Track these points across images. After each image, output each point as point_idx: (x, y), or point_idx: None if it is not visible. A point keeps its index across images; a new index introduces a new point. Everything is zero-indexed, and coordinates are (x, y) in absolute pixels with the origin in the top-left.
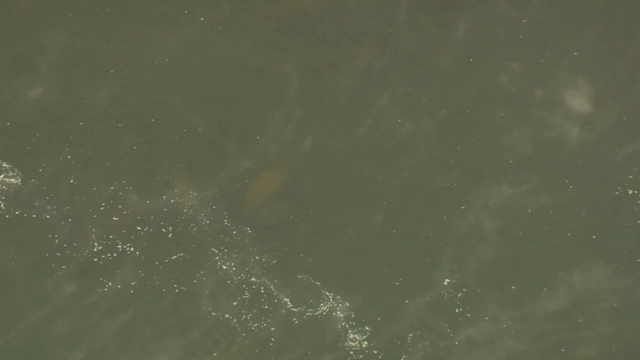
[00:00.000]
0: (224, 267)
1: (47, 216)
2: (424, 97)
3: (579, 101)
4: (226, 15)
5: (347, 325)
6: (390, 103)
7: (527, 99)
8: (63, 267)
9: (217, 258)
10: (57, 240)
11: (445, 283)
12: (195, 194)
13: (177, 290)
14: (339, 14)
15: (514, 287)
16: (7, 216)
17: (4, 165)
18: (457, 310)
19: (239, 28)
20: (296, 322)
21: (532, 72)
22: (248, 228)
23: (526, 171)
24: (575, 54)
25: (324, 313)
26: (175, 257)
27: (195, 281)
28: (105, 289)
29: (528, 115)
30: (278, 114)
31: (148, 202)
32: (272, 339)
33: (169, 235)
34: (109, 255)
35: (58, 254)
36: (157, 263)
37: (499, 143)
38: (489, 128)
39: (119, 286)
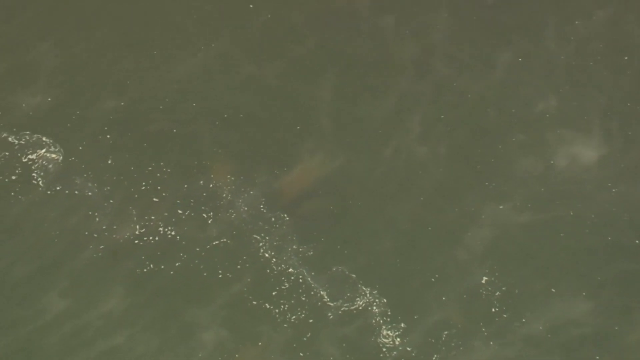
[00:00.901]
0: (266, 255)
1: (89, 193)
2: (450, 127)
3: (596, 141)
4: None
5: (381, 321)
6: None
7: (550, 134)
8: (101, 246)
9: (260, 245)
10: (97, 219)
11: (483, 281)
12: (232, 178)
13: (220, 276)
14: (377, 37)
15: (553, 290)
16: (48, 192)
17: (44, 139)
18: (493, 310)
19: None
20: (331, 316)
21: (563, 110)
22: (286, 215)
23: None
24: (607, 98)
25: (360, 308)
26: (216, 242)
27: (238, 267)
28: (145, 270)
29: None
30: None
31: (186, 186)
32: (308, 334)
33: (209, 222)
34: (150, 238)
35: (95, 235)
36: (198, 249)
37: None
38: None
39: (162, 266)
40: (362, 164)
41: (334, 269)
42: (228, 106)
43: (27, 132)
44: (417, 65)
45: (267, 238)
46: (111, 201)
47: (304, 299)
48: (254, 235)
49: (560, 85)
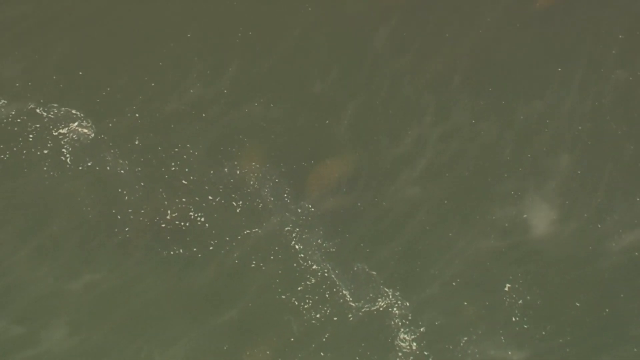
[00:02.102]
0: (297, 247)
1: (122, 171)
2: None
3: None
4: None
5: (400, 323)
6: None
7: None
8: (126, 229)
9: (293, 235)
10: (126, 197)
11: (506, 289)
12: (257, 165)
13: (253, 265)
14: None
15: (578, 304)
16: (80, 168)
17: (74, 112)
18: (513, 319)
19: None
20: (351, 318)
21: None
22: (311, 206)
23: None
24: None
25: (381, 309)
26: (247, 231)
27: (272, 257)
28: (173, 254)
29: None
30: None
31: (212, 172)
32: (327, 334)
33: (237, 210)
34: (181, 223)
35: (119, 217)
36: (228, 239)
37: None
38: None
39: (194, 249)
40: (387, 164)
41: (356, 268)
42: (259, 95)
43: (56, 105)
44: (435, 109)
45: (297, 230)
46: (142, 183)
47: (327, 296)
48: (286, 228)
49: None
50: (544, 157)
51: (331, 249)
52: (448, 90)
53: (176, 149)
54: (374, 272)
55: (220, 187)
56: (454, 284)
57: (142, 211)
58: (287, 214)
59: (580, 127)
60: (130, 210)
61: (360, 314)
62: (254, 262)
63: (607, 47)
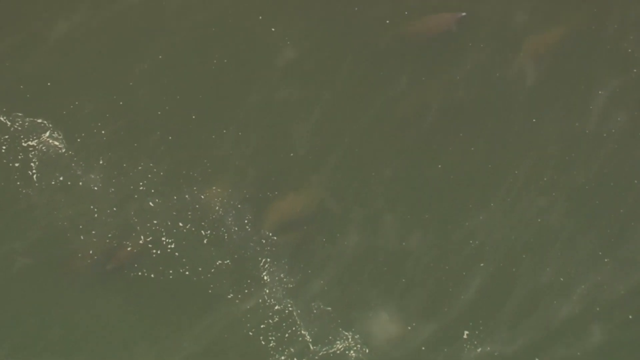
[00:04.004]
0: (266, 278)
1: (95, 188)
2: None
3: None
4: None
5: None
6: None
7: None
8: (90, 251)
9: (266, 266)
10: (96, 215)
11: (465, 336)
12: (219, 190)
13: (230, 296)
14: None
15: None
16: (52, 182)
17: (43, 122)
18: None
19: None
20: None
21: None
22: (275, 237)
23: None
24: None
25: (338, 352)
26: (219, 262)
27: (246, 291)
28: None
29: None
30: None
31: (175, 197)
32: None
33: (204, 241)
34: (154, 250)
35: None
36: (201, 269)
37: None
38: None
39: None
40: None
41: (316, 307)
42: (229, 124)
43: (20, 114)
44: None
45: (268, 260)
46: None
47: (287, 336)
48: (258, 258)
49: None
50: None
51: (290, 285)
52: (417, 134)
53: (140, 167)
54: (333, 313)
55: (189, 213)
56: (409, 328)
57: (110, 235)
58: (251, 244)
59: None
60: (94, 232)
61: (316, 358)
62: (231, 294)
63: (586, 102)
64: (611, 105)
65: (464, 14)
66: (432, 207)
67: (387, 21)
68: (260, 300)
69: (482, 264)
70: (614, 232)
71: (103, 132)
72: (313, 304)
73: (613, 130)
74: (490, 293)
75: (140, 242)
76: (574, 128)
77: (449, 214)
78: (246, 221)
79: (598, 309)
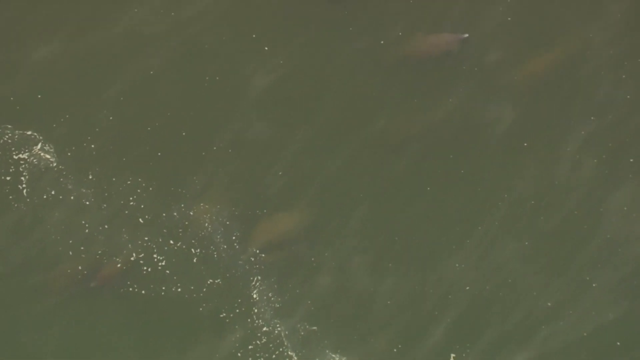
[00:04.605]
0: (255, 297)
1: (86, 202)
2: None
3: None
4: None
5: None
6: None
7: None
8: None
9: (257, 284)
10: (87, 230)
11: (451, 359)
12: (207, 207)
13: (222, 315)
14: None
15: None
16: (44, 197)
17: (33, 134)
18: None
19: None
20: None
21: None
22: (263, 254)
23: None
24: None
25: None
26: (210, 282)
27: (237, 311)
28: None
29: None
30: None
31: (164, 214)
32: None
33: (194, 260)
34: (145, 267)
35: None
36: (192, 287)
37: None
38: None
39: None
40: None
41: (302, 328)
42: (219, 141)
43: (10, 127)
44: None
45: (259, 278)
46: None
47: (274, 357)
48: (249, 277)
49: None
50: None
51: (277, 305)
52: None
53: (129, 182)
54: (321, 334)
55: (180, 230)
56: (394, 350)
57: (100, 252)
58: (240, 262)
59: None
60: (82, 248)
61: None
62: (223, 313)
63: (561, 146)
64: (585, 150)
65: (466, 35)
66: (405, 248)
67: (382, 42)
68: (249, 320)
69: (452, 307)
70: (582, 278)
71: (93, 146)
72: (299, 325)
73: (586, 175)
74: (460, 336)
75: (132, 258)
76: (548, 172)
77: (423, 256)
78: (234, 238)
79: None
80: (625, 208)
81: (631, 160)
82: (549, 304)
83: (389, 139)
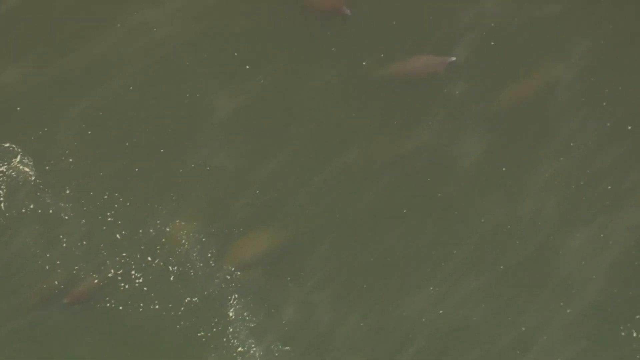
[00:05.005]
0: (231, 315)
1: (65, 217)
2: None
3: None
4: None
5: None
6: None
7: None
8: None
9: (234, 303)
10: (64, 244)
11: None
12: (183, 223)
13: (200, 334)
14: None
15: None
16: (23, 210)
17: (11, 146)
18: None
19: None
20: None
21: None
22: (238, 272)
23: None
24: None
25: None
26: (187, 300)
27: (214, 330)
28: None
29: None
30: None
31: (141, 231)
32: None
33: (171, 278)
34: (122, 283)
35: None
36: (170, 305)
37: None
38: None
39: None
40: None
41: (276, 348)
42: (197, 159)
43: None
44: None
45: (236, 296)
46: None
47: None
48: (227, 296)
49: None
50: None
51: (252, 324)
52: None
53: (105, 196)
54: (294, 355)
55: (158, 248)
56: None
57: (76, 267)
58: (216, 280)
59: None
60: (59, 262)
61: None
62: (201, 332)
63: (525, 184)
64: (548, 189)
65: (453, 58)
66: (372, 279)
67: (364, 62)
68: (225, 339)
69: (413, 347)
70: (538, 320)
71: (71, 160)
72: (272, 346)
73: (548, 214)
74: None
75: (110, 275)
76: (511, 210)
77: (389, 288)
78: (209, 255)
79: None
80: (582, 250)
81: (590, 201)
82: (508, 341)
83: (363, 167)
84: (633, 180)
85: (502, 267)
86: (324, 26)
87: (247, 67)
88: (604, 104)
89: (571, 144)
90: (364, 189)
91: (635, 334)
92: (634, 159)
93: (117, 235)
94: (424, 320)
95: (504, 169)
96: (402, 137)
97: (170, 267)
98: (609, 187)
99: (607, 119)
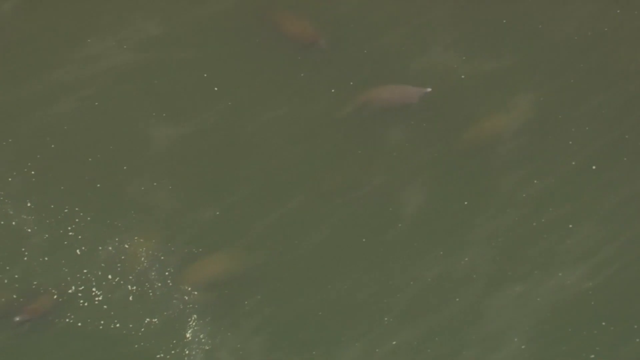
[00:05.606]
0: (189, 337)
1: (28, 230)
2: None
3: None
4: None
5: None
6: None
7: None
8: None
9: (192, 324)
10: (26, 258)
11: None
12: (141, 240)
13: (158, 355)
14: None
15: None
16: None
17: None
18: None
19: None
20: None
21: None
22: (196, 292)
23: None
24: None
25: None
26: (147, 320)
27: (172, 352)
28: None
29: None
30: None
31: (100, 248)
32: None
33: (130, 297)
34: (82, 300)
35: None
36: (131, 325)
37: None
38: None
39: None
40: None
41: None
42: (161, 177)
43: None
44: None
45: (194, 317)
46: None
47: None
48: (187, 318)
49: None
50: None
51: (207, 347)
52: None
53: (65, 210)
54: None
55: (119, 265)
56: None
57: (35, 282)
58: (174, 300)
59: None
60: (17, 277)
61: None
62: (160, 353)
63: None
64: (488, 237)
65: (429, 89)
66: (302, 335)
67: (332, 90)
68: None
69: None
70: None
71: (33, 172)
72: None
73: (481, 271)
74: None
75: (70, 291)
76: (449, 263)
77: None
78: (167, 274)
79: None
80: (510, 306)
81: (520, 263)
82: None
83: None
84: (571, 242)
85: (434, 321)
86: (294, 51)
87: (216, 89)
88: (548, 157)
89: (519, 196)
90: (311, 231)
91: None
92: (575, 218)
93: (77, 251)
94: None
95: (445, 219)
96: (353, 178)
97: (129, 287)
98: (547, 246)
99: (552, 174)
